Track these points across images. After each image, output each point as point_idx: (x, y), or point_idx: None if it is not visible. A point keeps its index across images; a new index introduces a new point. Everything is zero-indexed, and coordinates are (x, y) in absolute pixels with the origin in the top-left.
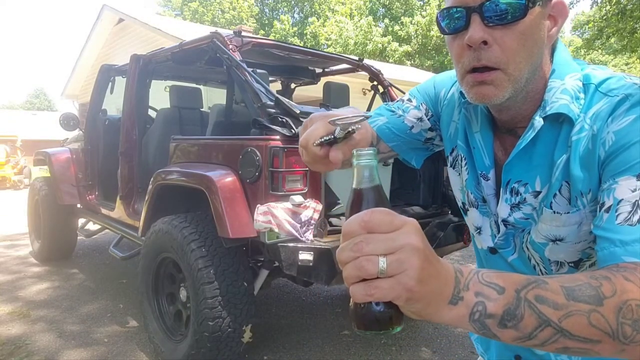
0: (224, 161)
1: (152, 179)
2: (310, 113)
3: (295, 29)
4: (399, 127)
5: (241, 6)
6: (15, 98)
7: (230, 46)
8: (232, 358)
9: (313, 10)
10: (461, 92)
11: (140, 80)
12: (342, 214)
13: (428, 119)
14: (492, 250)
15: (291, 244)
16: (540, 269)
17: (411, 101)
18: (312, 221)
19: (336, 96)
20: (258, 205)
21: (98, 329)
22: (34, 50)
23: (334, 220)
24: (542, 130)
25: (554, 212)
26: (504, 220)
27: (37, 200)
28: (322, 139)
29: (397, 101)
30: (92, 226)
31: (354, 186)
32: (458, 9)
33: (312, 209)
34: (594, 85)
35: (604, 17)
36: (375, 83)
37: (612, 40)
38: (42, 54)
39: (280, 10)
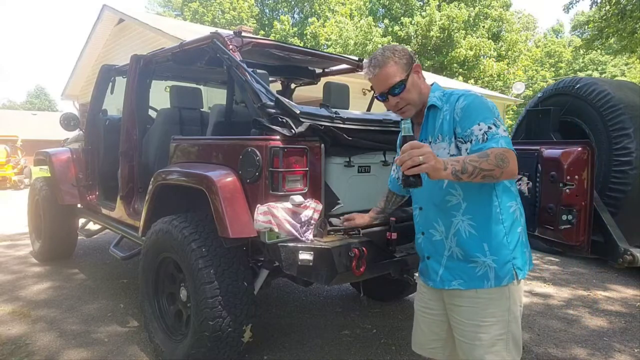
0: (224, 161)
1: (152, 179)
2: (310, 113)
3: (295, 29)
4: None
5: (241, 6)
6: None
7: (231, 46)
8: (232, 358)
9: (313, 10)
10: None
11: (141, 81)
12: (342, 214)
13: None
14: None
15: (291, 244)
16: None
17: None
18: (312, 221)
19: (336, 96)
20: (258, 205)
21: (98, 328)
22: (35, 50)
23: (334, 220)
24: (428, 115)
25: (436, 143)
26: None
27: (37, 200)
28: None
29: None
30: (93, 226)
31: (402, 134)
32: (381, 94)
33: (312, 209)
34: (448, 93)
35: (604, 18)
36: None
37: (612, 40)
38: (43, 54)
39: (280, 11)
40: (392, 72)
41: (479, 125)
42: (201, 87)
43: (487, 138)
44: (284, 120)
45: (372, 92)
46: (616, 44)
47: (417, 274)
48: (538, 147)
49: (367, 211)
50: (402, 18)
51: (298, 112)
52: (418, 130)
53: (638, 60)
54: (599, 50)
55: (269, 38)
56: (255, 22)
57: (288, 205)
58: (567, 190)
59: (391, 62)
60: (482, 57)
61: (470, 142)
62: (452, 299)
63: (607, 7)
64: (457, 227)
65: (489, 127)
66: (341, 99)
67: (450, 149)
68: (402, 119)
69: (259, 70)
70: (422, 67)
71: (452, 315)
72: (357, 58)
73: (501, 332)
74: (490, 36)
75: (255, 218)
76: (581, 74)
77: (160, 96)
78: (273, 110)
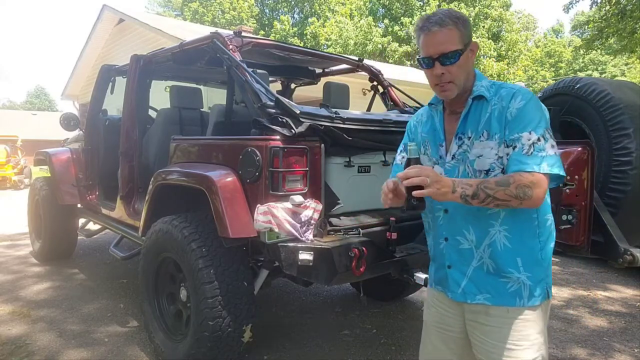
0: (224, 161)
1: (152, 179)
2: (310, 113)
3: (295, 29)
4: None
5: (241, 6)
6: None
7: (231, 46)
8: (232, 358)
9: (313, 10)
10: (429, 104)
11: (141, 81)
12: (342, 214)
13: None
14: None
15: (291, 244)
16: (470, 177)
17: (399, 151)
18: (312, 221)
19: (336, 96)
20: (258, 205)
21: (98, 328)
22: (35, 50)
23: (334, 220)
24: (472, 106)
25: (480, 141)
26: (453, 155)
27: (37, 200)
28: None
29: (397, 154)
30: (93, 226)
31: (408, 156)
32: (428, 58)
33: (312, 209)
34: (497, 84)
35: (604, 18)
36: (375, 83)
37: (612, 40)
38: (43, 54)
39: (280, 11)
40: (452, 37)
41: (529, 133)
42: (201, 87)
43: (532, 152)
44: (284, 120)
45: (372, 92)
46: (616, 44)
47: (418, 275)
48: None
49: (368, 211)
50: (402, 18)
51: (298, 112)
52: (451, 121)
53: (638, 60)
54: (599, 50)
55: (269, 38)
56: (255, 22)
57: (288, 205)
58: (567, 190)
59: (454, 26)
60: (482, 57)
61: (513, 148)
62: (476, 315)
63: (607, 7)
64: (493, 237)
65: (538, 139)
66: (341, 99)
67: (499, 150)
68: (409, 143)
69: (259, 70)
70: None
71: (474, 333)
72: (357, 58)
73: (534, 357)
74: (490, 36)
75: (255, 218)
76: (581, 74)
77: (160, 96)
78: (273, 110)
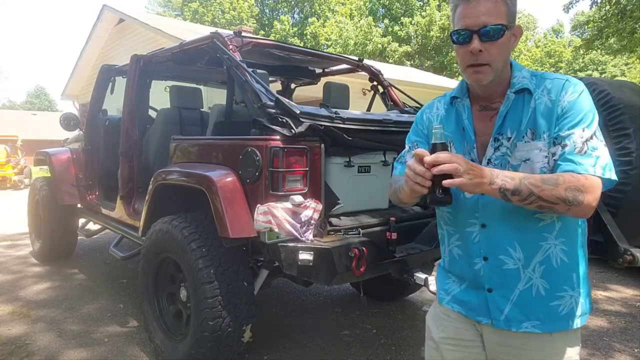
0: (224, 161)
1: (152, 179)
2: (310, 113)
3: (295, 29)
4: None
5: (241, 6)
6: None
7: (231, 46)
8: (232, 358)
9: (313, 10)
10: (451, 98)
11: (141, 81)
12: (342, 214)
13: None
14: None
15: (291, 244)
16: None
17: (408, 147)
18: (312, 221)
19: (336, 96)
20: (258, 205)
21: (98, 328)
22: (35, 50)
23: (334, 220)
24: (513, 101)
25: (525, 142)
26: (488, 160)
27: (37, 200)
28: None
29: (405, 152)
30: (93, 226)
31: (434, 141)
32: (466, 30)
33: (312, 209)
34: (539, 74)
35: (604, 17)
36: (375, 83)
37: (612, 40)
38: (43, 54)
39: (280, 11)
40: (498, 9)
41: (582, 130)
42: (201, 87)
43: (586, 150)
44: (284, 120)
45: (372, 92)
46: (616, 44)
47: (418, 275)
48: None
49: (368, 211)
50: (402, 18)
51: (298, 112)
52: (483, 118)
53: (638, 60)
54: (599, 50)
55: (269, 38)
56: (255, 22)
57: (288, 205)
58: None
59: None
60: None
61: (563, 147)
62: (509, 339)
63: (607, 7)
64: (547, 253)
65: (592, 137)
66: (341, 99)
67: (550, 151)
68: (434, 125)
69: (259, 70)
70: (422, 66)
71: (501, 357)
72: (357, 58)
73: None
74: None
75: (255, 218)
76: (581, 74)
77: (160, 96)
78: (273, 110)
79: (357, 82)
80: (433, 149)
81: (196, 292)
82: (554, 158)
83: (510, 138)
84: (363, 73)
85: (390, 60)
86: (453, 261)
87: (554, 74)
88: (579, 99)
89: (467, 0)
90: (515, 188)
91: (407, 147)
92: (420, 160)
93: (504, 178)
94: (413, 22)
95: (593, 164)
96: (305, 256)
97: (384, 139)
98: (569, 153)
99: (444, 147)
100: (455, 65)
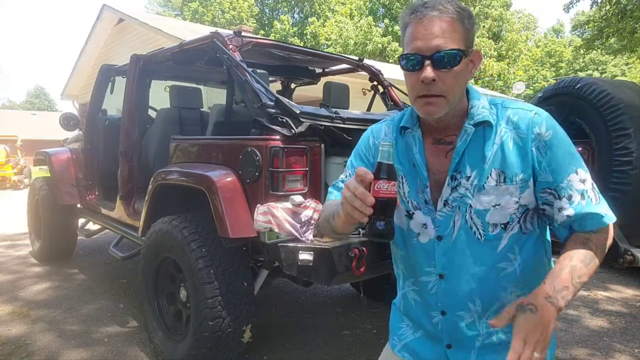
0: (224, 161)
1: (152, 179)
2: (310, 113)
3: (295, 29)
4: None
5: (241, 6)
6: (16, 98)
7: (230, 46)
8: (232, 358)
9: (313, 10)
10: (400, 128)
11: (140, 80)
12: None
13: None
14: (439, 238)
15: (291, 244)
16: (480, 233)
17: (348, 174)
18: (312, 221)
19: (336, 96)
20: (258, 205)
21: (98, 329)
22: (34, 50)
23: None
24: (471, 135)
25: (493, 185)
26: (445, 201)
27: (37, 200)
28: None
29: (344, 178)
30: (92, 226)
31: (380, 159)
32: (416, 55)
33: (312, 209)
34: (499, 104)
35: (604, 17)
36: (375, 83)
37: (612, 40)
38: (42, 54)
39: (280, 11)
40: (453, 31)
41: (576, 173)
42: (201, 87)
43: (597, 196)
44: (284, 120)
45: (373, 91)
46: (616, 44)
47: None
48: None
49: None
50: None
51: (298, 112)
52: (437, 153)
53: (638, 60)
54: (599, 50)
55: (269, 38)
56: (255, 21)
57: (288, 205)
58: None
59: (458, 17)
60: (482, 57)
61: (570, 200)
62: None
63: (608, 7)
64: (503, 301)
65: (588, 177)
66: (341, 99)
67: (522, 197)
68: (381, 140)
69: (259, 70)
70: None
71: None
72: (357, 58)
73: None
74: (490, 36)
75: (255, 218)
76: (581, 74)
77: (160, 96)
78: (273, 110)
79: (357, 82)
80: (378, 169)
81: (196, 292)
82: (565, 213)
83: (469, 177)
84: (363, 73)
85: (391, 60)
86: (408, 306)
87: (514, 102)
88: (557, 135)
89: (419, 19)
90: (574, 293)
91: (346, 173)
92: (361, 181)
93: (563, 295)
94: None
95: (608, 208)
96: (305, 256)
97: None
98: (587, 206)
99: (390, 170)
100: None
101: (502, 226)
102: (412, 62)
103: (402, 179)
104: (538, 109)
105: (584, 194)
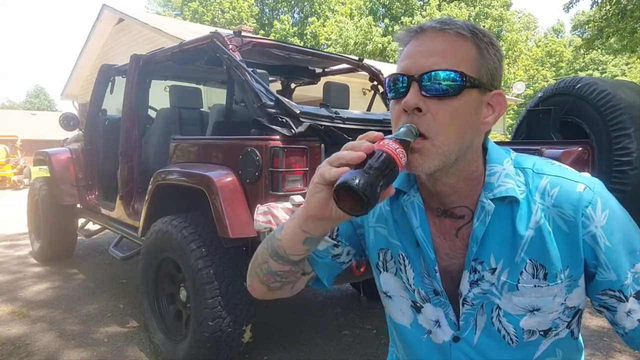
0: (224, 161)
1: (152, 179)
2: (310, 113)
3: (295, 29)
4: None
5: (241, 6)
6: (15, 98)
7: (230, 46)
8: (232, 358)
9: (313, 10)
10: (396, 190)
11: (140, 80)
12: None
13: (332, 238)
14: (455, 339)
15: None
16: (511, 338)
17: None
18: None
19: (336, 96)
20: (258, 205)
21: (98, 329)
22: (34, 50)
23: None
24: (492, 215)
25: (535, 286)
26: (464, 299)
27: (37, 200)
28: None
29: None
30: (92, 226)
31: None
32: (402, 76)
33: None
34: (529, 168)
35: (604, 17)
36: (375, 83)
37: (612, 40)
38: (42, 54)
39: (280, 10)
40: (457, 51)
41: (634, 267)
42: (201, 87)
43: None
44: (284, 120)
45: (373, 91)
46: (616, 44)
47: None
48: (539, 147)
49: None
50: (402, 17)
51: (298, 112)
52: (445, 229)
53: (638, 60)
54: (599, 50)
55: (269, 38)
56: (255, 21)
57: (288, 205)
58: None
59: (470, 38)
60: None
61: (637, 299)
62: None
63: (608, 7)
64: None
65: None
66: (341, 99)
67: (569, 298)
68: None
69: (259, 70)
70: None
71: None
72: (357, 58)
73: None
74: None
75: (255, 218)
76: (582, 74)
77: (160, 96)
78: (273, 110)
79: (357, 82)
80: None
81: (196, 293)
82: (637, 317)
83: (494, 270)
84: (363, 73)
85: (391, 60)
86: None
87: (549, 165)
88: (615, 215)
89: (417, 34)
90: None
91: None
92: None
93: None
94: (413, 21)
95: None
96: None
97: None
98: (636, 313)
99: (405, 143)
100: None
101: (542, 333)
102: (397, 86)
103: (403, 259)
104: (585, 178)
105: None
